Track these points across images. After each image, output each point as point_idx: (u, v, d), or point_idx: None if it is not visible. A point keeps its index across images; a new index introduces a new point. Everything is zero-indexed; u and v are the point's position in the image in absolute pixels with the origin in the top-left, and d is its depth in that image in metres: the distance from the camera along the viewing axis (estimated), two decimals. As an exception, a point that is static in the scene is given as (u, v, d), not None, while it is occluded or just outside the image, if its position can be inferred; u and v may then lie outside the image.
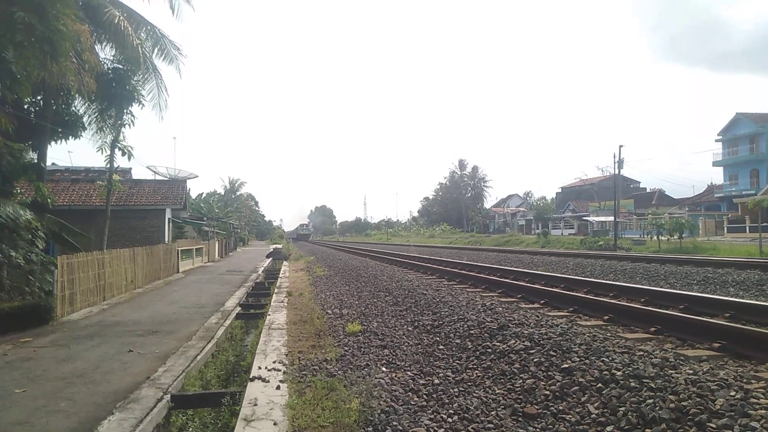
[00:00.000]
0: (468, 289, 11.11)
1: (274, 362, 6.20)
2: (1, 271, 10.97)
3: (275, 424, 4.24)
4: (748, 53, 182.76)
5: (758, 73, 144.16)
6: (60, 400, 5.40)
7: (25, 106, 13.97)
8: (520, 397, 4.54)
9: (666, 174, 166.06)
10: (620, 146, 36.78)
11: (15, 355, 7.46)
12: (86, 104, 15.99)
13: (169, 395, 5.66)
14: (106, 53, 15.76)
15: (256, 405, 4.71)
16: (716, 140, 51.86)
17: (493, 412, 4.29)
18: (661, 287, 10.84)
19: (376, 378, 5.31)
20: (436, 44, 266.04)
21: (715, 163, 52.25)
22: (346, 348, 6.88)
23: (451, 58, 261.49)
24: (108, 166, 16.71)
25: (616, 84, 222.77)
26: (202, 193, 62.89)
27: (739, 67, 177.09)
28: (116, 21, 13.79)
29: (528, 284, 10.82)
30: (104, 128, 16.42)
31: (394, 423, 4.12)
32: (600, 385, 4.27)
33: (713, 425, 3.32)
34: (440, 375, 5.44)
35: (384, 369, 5.78)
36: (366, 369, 5.76)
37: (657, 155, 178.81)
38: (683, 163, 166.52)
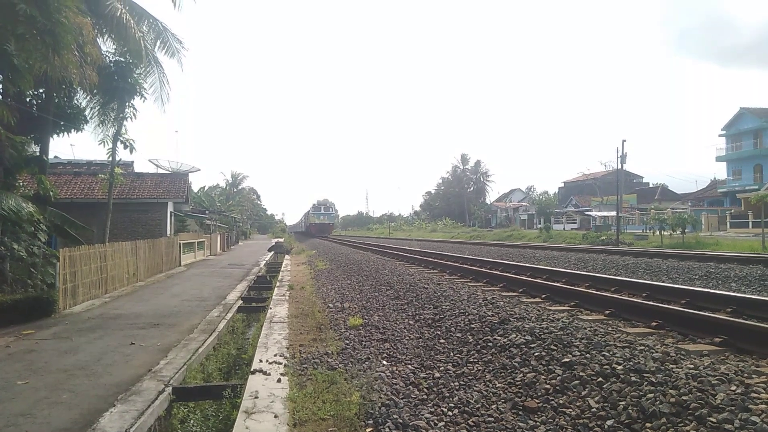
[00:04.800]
0: (469, 284, 11.10)
1: (275, 355, 6.21)
2: (3, 263, 11.01)
3: (276, 416, 4.25)
4: (756, 48, 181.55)
5: (765, 68, 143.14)
6: (62, 392, 5.42)
7: (27, 99, 13.95)
8: (521, 390, 4.54)
9: (669, 169, 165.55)
10: (623, 141, 36.82)
11: (17, 347, 7.50)
12: (88, 97, 16.01)
13: (170, 388, 5.69)
14: (108, 46, 15.75)
15: (257, 398, 4.72)
16: (720, 135, 51.64)
17: (493, 406, 4.29)
18: (663, 282, 10.81)
19: (376, 371, 5.32)
20: (440, 37, 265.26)
21: (719, 158, 52.08)
22: (347, 341, 6.89)
23: (454, 51, 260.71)
24: (110, 159, 16.74)
25: (621, 78, 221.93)
26: (204, 187, 62.86)
27: (748, 62, 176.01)
28: (118, 14, 13.76)
29: (529, 278, 10.79)
30: (106, 121, 16.46)
31: (395, 416, 4.12)
32: (600, 379, 4.27)
33: (713, 419, 3.31)
34: (441, 369, 5.44)
35: (385, 362, 5.79)
36: (367, 362, 5.78)
37: (661, 150, 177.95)
38: (687, 159, 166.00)
